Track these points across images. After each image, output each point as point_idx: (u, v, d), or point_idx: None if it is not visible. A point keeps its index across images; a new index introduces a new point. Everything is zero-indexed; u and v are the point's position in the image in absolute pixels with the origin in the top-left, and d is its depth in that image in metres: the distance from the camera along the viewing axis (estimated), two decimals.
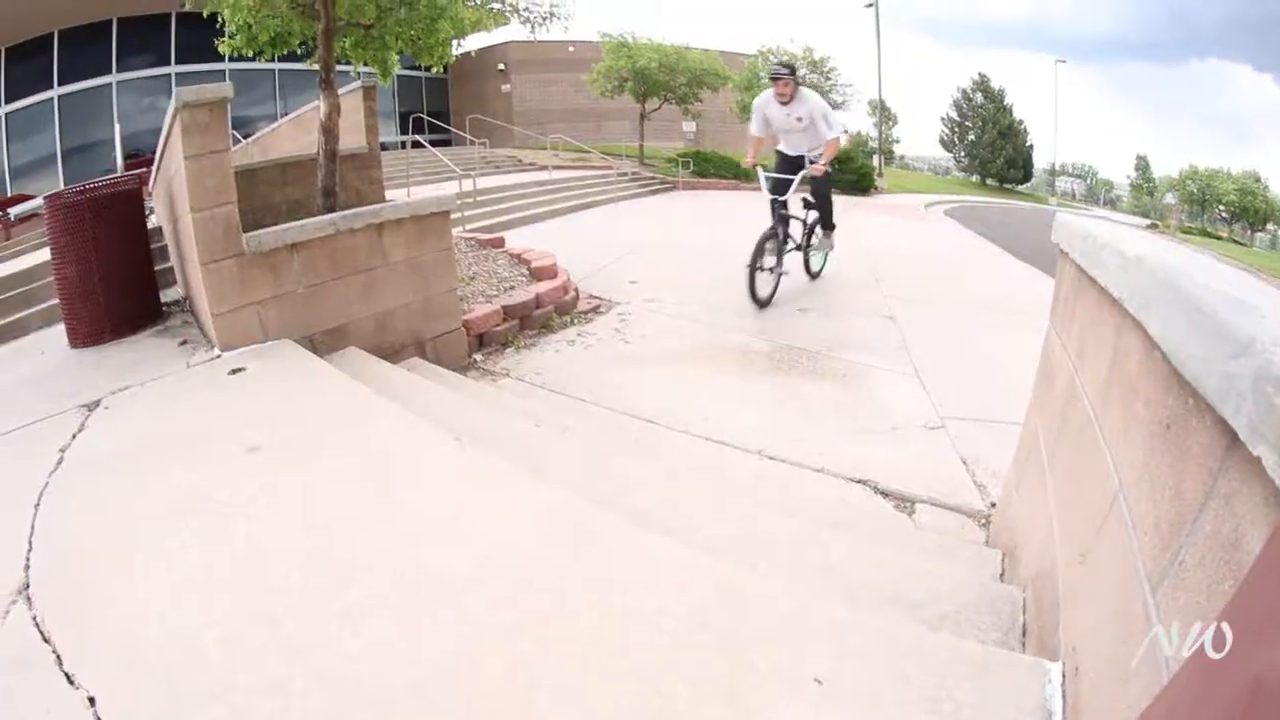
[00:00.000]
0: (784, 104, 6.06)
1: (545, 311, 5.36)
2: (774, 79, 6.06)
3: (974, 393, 4.14)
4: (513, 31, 9.81)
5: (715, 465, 3.15)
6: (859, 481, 3.01)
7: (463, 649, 1.54)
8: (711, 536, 2.07)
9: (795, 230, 6.47)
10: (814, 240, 7.03)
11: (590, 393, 3.97)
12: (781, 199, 6.00)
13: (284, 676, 1.50)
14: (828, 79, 27.00)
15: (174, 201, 4.19)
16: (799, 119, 6.06)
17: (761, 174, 6.20)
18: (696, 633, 1.51)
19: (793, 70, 6.10)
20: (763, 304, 5.82)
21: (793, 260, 6.63)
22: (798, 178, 6.05)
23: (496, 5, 7.41)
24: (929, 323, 5.94)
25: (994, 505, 2.82)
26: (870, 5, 33.58)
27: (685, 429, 3.51)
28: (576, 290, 6.09)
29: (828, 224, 6.93)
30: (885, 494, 2.93)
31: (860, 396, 4.11)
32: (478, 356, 4.62)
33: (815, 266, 7.29)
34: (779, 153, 6.49)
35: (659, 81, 22.35)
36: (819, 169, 6.03)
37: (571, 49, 27.21)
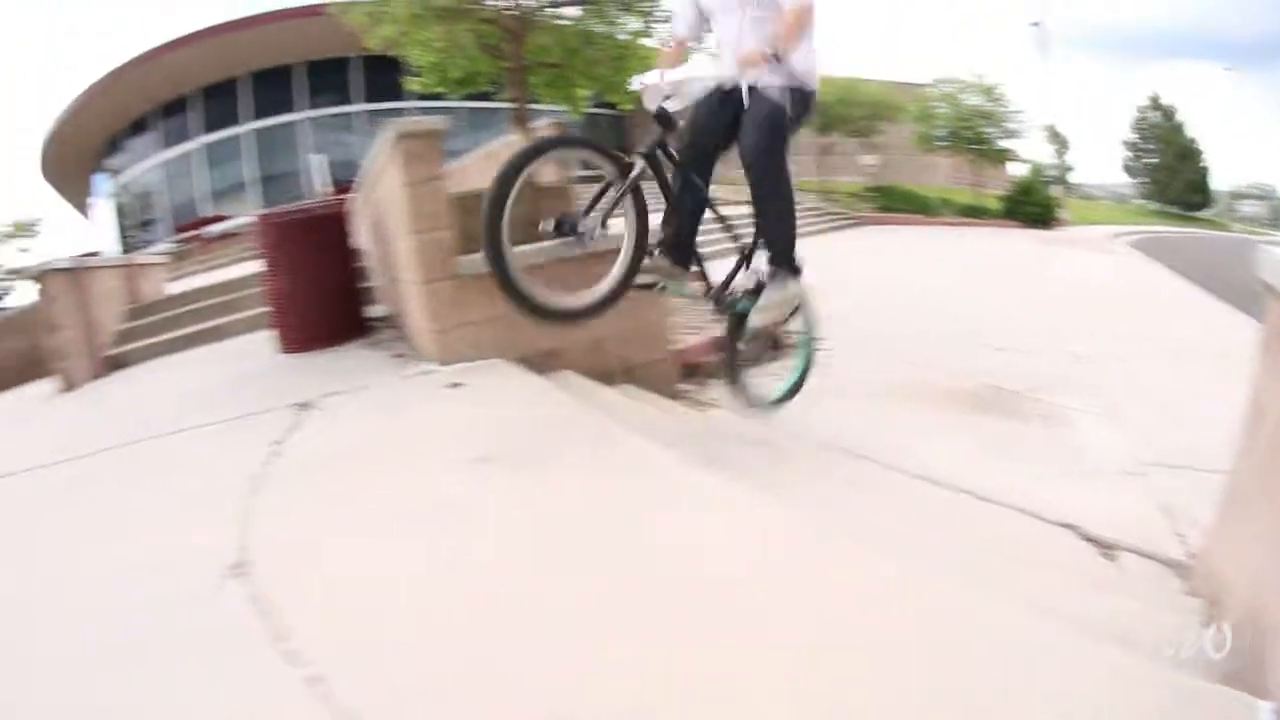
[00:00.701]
0: None
1: None
2: None
3: (1172, 437, 3.96)
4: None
5: (921, 500, 3.15)
6: (1063, 525, 2.95)
7: (707, 668, 1.51)
8: (928, 563, 2.06)
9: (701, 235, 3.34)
10: (761, 274, 3.22)
11: (797, 424, 3.90)
12: (668, 113, 2.90)
13: (512, 679, 1.50)
14: (1001, 105, 25.87)
15: (384, 225, 4.46)
16: None
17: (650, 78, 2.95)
18: (927, 652, 1.52)
19: None
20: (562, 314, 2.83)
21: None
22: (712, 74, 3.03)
23: None
24: (1122, 363, 5.69)
25: (1194, 555, 2.71)
26: (1036, 25, 32.17)
27: (891, 463, 3.49)
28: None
29: (782, 250, 3.17)
30: (1088, 539, 2.87)
31: (1059, 439, 4.03)
32: (686, 387, 4.55)
33: (769, 393, 3.44)
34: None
35: (837, 115, 22.04)
36: (754, 54, 2.70)
37: None
